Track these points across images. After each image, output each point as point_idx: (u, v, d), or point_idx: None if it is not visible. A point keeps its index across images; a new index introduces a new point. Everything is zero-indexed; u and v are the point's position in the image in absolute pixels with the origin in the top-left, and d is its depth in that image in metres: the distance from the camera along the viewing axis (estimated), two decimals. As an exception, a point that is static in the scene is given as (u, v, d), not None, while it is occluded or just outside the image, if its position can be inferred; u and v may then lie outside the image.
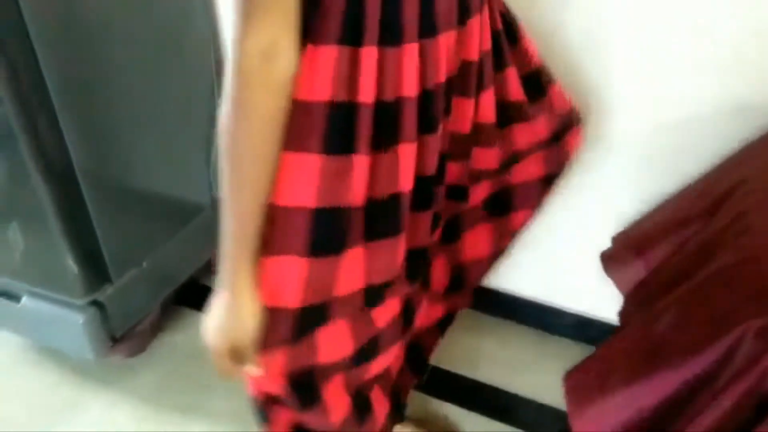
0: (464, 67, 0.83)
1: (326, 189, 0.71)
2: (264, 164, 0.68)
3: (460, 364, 1.58)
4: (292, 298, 0.74)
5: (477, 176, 1.02)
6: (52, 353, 1.67)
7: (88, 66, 1.28)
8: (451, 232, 1.07)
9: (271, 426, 0.91)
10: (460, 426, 1.45)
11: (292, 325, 0.75)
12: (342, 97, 0.69)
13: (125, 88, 1.37)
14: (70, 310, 1.46)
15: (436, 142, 0.79)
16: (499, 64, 0.94)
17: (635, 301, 1.02)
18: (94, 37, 1.28)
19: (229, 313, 0.73)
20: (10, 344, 1.71)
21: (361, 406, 0.96)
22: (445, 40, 0.75)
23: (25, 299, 1.51)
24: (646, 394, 0.75)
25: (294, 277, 0.73)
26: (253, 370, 0.78)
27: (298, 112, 0.68)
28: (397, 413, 1.28)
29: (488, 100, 0.93)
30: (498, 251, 1.13)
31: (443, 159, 0.86)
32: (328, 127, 0.69)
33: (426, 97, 0.75)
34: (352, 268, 0.76)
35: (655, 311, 0.88)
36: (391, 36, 0.69)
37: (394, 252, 0.78)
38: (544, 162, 1.08)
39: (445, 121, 0.83)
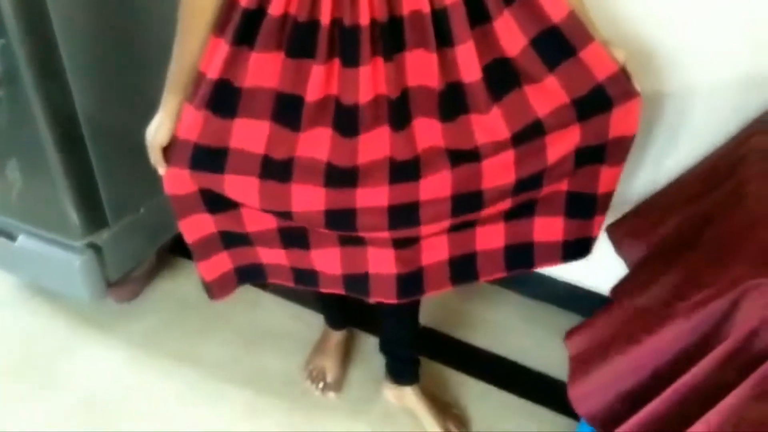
0: (414, 17, 0.88)
1: (227, 69, 0.93)
2: (185, 32, 0.94)
3: (448, 327, 1.61)
4: (191, 134, 0.98)
5: (495, 149, 0.95)
6: (47, 294, 1.68)
7: (96, 12, 1.27)
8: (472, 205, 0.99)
9: (181, 222, 1.07)
10: (457, 389, 1.48)
11: (191, 155, 0.98)
12: (254, 5, 0.90)
13: (131, 34, 1.36)
14: (67, 251, 1.47)
15: (362, 76, 0.89)
16: (481, 16, 0.91)
17: (635, 277, 1.05)
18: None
19: (156, 120, 1.01)
20: (5, 283, 1.72)
21: (288, 234, 1.07)
22: None
23: (21, 238, 1.52)
24: (646, 357, 0.77)
25: (193, 120, 0.97)
26: (161, 169, 1.02)
27: (225, 7, 0.92)
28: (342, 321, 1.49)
29: (465, 56, 0.90)
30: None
31: (405, 108, 0.93)
32: (240, 24, 0.91)
33: (343, 31, 0.87)
34: (247, 134, 0.96)
35: (651, 279, 0.90)
36: None
37: (291, 142, 0.94)
38: (580, 134, 0.97)
39: (387, 68, 0.90)
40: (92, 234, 1.46)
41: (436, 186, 0.95)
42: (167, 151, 1.01)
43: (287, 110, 0.94)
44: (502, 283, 1.67)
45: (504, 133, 0.94)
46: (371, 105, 0.91)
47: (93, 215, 1.44)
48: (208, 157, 0.98)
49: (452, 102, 0.93)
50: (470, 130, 0.95)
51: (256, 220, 1.06)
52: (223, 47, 0.93)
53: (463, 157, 0.95)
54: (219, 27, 0.93)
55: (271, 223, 1.06)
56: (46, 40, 1.21)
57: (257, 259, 1.13)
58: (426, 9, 0.88)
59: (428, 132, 0.94)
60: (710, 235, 0.83)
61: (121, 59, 1.36)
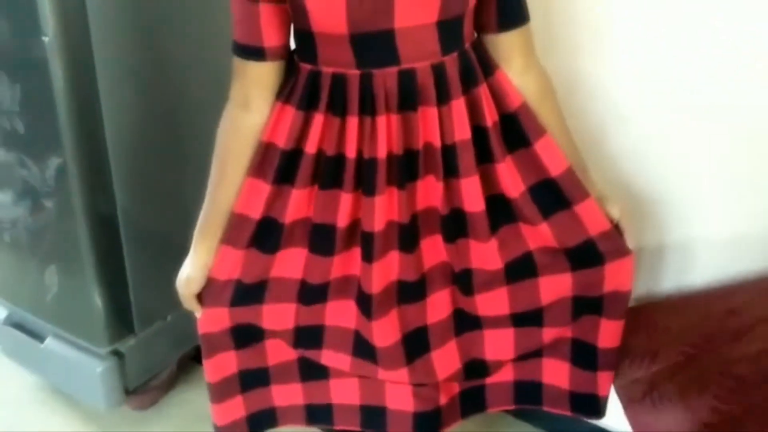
0: (427, 149, 0.94)
1: (270, 207, 0.97)
2: (223, 176, 0.98)
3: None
4: (231, 274, 1.01)
5: (489, 281, 1.00)
6: (64, 396, 1.68)
7: (147, 131, 1.35)
8: (469, 324, 1.04)
9: (207, 361, 1.09)
10: None
11: (232, 293, 1.02)
12: (292, 145, 0.95)
13: (176, 151, 1.44)
14: (90, 357, 1.49)
15: (377, 206, 0.94)
16: (486, 157, 0.96)
17: (638, 398, 1.06)
18: (155, 100, 1.36)
19: (187, 267, 1.03)
20: (27, 382, 1.73)
21: (307, 366, 1.09)
22: (385, 122, 0.91)
23: (49, 340, 1.55)
24: None
25: (234, 261, 1.00)
26: (197, 313, 1.04)
27: (262, 149, 0.96)
28: None
29: (470, 188, 0.96)
30: (523, 358, 1.10)
31: (415, 231, 0.99)
32: (280, 164, 0.95)
33: (363, 163, 0.93)
34: (287, 263, 1.00)
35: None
36: (335, 109, 0.92)
37: (326, 266, 0.99)
38: (572, 282, 1.03)
39: (400, 196, 0.95)
40: (118, 341, 1.48)
41: (440, 306, 1.01)
42: (202, 293, 1.03)
43: (322, 239, 0.99)
44: (518, 414, 1.63)
45: (497, 263, 1.00)
46: (384, 232, 0.96)
47: (121, 322, 1.47)
48: (250, 292, 1.01)
49: (454, 226, 0.99)
50: (467, 253, 1.00)
51: (279, 352, 1.08)
52: (264, 188, 0.97)
53: (457, 278, 1.01)
54: (256, 169, 0.97)
55: (292, 354, 1.08)
56: (99, 159, 1.29)
57: (271, 402, 1.13)
58: (437, 143, 0.93)
59: (434, 250, 1.00)
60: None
61: (164, 175, 1.44)
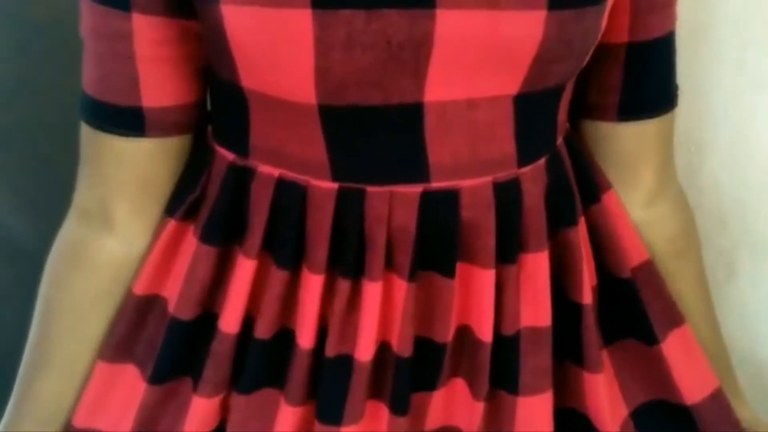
0: (463, 339, 0.55)
1: (148, 421, 0.56)
2: (48, 354, 0.55)
3: None
4: None
5: None
6: None
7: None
8: None
9: None
10: None
11: None
12: (193, 309, 0.53)
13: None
14: None
15: None
16: (566, 353, 0.59)
17: None
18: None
19: None
20: None
21: None
22: (379, 292, 0.50)
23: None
24: None
25: None
26: None
27: (131, 309, 0.55)
28: None
29: (535, 412, 0.58)
30: None
31: None
32: (168, 344, 0.54)
33: (327, 365, 0.52)
34: None
35: None
36: (280, 252, 0.51)
37: None
38: None
39: (394, 422, 0.55)
40: None
41: None
42: None
43: None
44: None
45: None
46: None
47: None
48: None
49: None
50: None
51: None
52: (134, 384, 0.55)
53: None
54: (119, 345, 0.55)
55: None
56: None
57: None
58: (486, 335, 0.53)
59: None
60: None
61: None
